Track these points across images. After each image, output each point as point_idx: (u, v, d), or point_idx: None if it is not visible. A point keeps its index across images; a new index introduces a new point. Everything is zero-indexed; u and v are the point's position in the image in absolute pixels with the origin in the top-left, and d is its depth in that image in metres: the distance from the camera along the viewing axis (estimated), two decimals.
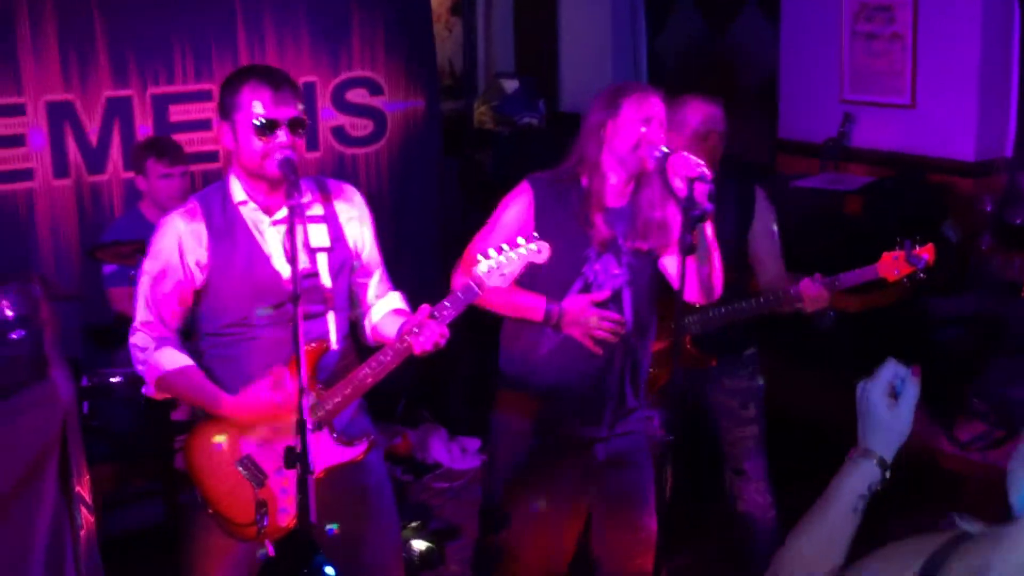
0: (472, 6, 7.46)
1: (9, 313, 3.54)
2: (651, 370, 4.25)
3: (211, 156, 5.75)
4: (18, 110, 5.42)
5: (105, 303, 5.16)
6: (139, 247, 4.71)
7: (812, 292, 4.09)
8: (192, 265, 3.24)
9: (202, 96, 5.78)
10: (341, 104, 6.19)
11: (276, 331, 3.26)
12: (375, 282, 3.52)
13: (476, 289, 3.21)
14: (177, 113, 5.75)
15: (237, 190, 3.28)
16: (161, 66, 5.69)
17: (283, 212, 3.25)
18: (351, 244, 3.43)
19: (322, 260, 3.32)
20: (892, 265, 4.10)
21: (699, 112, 4.20)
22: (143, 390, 3.40)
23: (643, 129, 3.51)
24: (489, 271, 3.20)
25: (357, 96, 6.21)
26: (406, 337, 3.19)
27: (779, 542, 4.72)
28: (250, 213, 3.27)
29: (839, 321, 5.76)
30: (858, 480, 2.09)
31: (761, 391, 4.50)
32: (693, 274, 3.49)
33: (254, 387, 3.21)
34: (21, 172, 5.47)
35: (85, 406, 4.59)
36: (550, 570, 3.94)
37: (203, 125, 5.77)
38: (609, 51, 7.91)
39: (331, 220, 3.37)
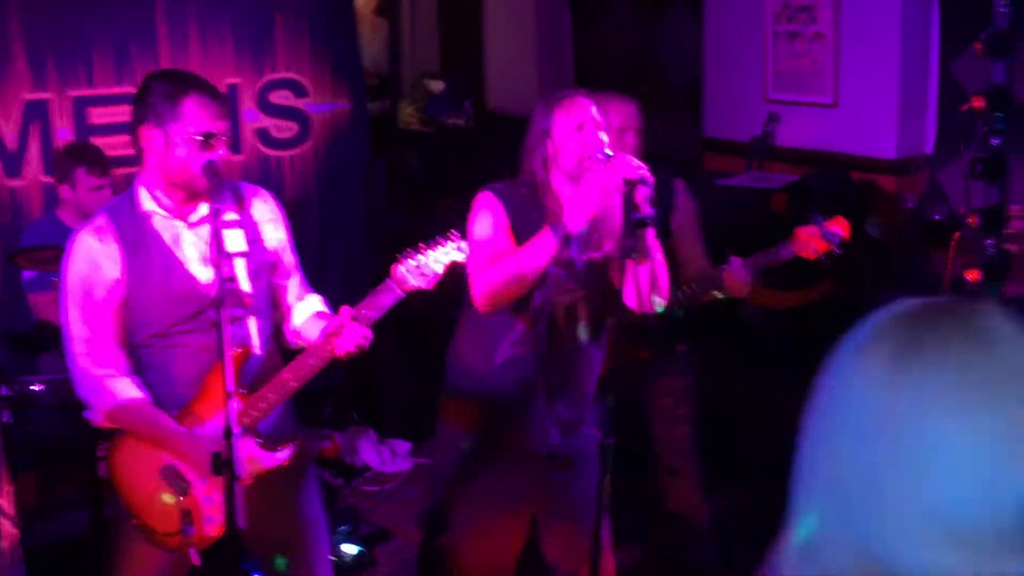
0: (397, 7, 7.45)
1: None
2: None
3: (133, 160, 5.67)
4: None
5: (26, 310, 5.08)
6: (59, 252, 4.67)
7: (735, 275, 4.07)
8: (110, 283, 3.21)
9: (123, 99, 5.68)
10: (266, 106, 6.15)
11: (199, 337, 3.23)
12: (294, 285, 3.51)
13: (397, 289, 3.20)
14: (97, 116, 5.68)
15: (145, 200, 3.25)
16: (81, 68, 5.62)
17: (197, 215, 3.24)
18: (268, 247, 3.42)
19: (240, 264, 3.28)
20: (808, 242, 4.06)
21: (617, 110, 4.22)
22: (87, 415, 3.33)
23: (579, 134, 3.52)
24: (408, 270, 3.19)
25: (281, 98, 6.18)
26: (329, 339, 3.18)
27: (710, 542, 4.80)
28: (161, 222, 3.24)
29: (770, 320, 5.85)
30: None
31: (694, 389, 4.54)
32: (631, 279, 3.45)
33: (200, 434, 3.21)
34: None
35: (7, 415, 4.52)
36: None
37: (124, 128, 5.63)
38: (534, 50, 7.94)
39: (247, 224, 3.34)
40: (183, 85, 3.21)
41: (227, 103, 3.28)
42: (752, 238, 4.27)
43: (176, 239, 3.25)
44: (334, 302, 3.46)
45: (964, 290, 4.61)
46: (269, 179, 6.12)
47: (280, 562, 3.49)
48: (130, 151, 5.58)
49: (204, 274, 3.22)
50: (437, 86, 7.90)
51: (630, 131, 4.25)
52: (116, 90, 5.69)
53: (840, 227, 4.09)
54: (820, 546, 1.26)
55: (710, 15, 6.88)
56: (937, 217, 5.96)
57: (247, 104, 6.09)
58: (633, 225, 3.31)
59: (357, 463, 5.99)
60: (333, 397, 6.23)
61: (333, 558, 5.02)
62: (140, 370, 3.29)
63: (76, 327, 3.23)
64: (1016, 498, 1.17)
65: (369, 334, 3.19)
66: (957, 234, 4.55)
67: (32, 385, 4.63)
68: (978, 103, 4.27)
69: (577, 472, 3.79)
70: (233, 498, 3.09)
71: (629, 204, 3.31)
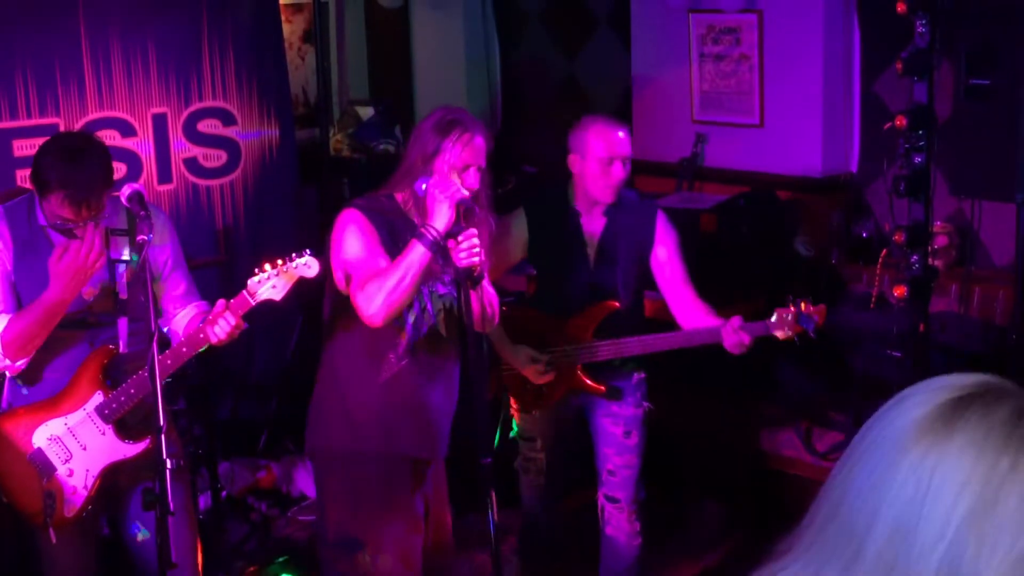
0: (325, 33, 7.42)
1: None
2: (542, 394, 4.40)
3: None
4: None
5: None
6: None
7: (733, 336, 4.11)
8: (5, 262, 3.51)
9: (47, 130, 5.63)
10: (193, 135, 6.09)
11: (72, 331, 3.52)
12: (179, 293, 3.74)
13: (249, 299, 3.41)
14: (21, 148, 5.60)
15: (42, 215, 3.49)
16: (4, 99, 5.54)
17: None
18: (153, 259, 3.57)
19: (120, 271, 3.56)
20: (783, 323, 4.12)
21: (601, 135, 4.25)
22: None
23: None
24: (260, 282, 3.40)
25: (209, 127, 6.12)
26: (204, 327, 3.44)
27: (640, 569, 4.83)
28: (55, 235, 3.48)
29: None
30: None
31: (645, 419, 4.53)
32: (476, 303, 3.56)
33: (51, 273, 3.37)
34: None
35: None
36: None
37: None
38: (463, 73, 7.94)
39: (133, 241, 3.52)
40: (48, 181, 3.40)
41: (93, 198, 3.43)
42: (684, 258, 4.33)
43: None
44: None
45: (891, 306, 4.68)
46: (199, 207, 6.07)
47: None
48: None
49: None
50: (366, 112, 7.87)
51: (618, 160, 4.26)
52: (40, 121, 5.61)
53: (819, 316, 4.12)
54: None
55: (636, 38, 6.92)
56: (864, 234, 6.03)
57: (175, 133, 6.03)
58: (460, 273, 3.49)
59: (293, 492, 5.94)
60: (268, 427, 6.18)
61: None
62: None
63: None
64: None
65: (243, 324, 3.44)
66: (884, 251, 4.61)
67: None
68: (900, 122, 4.32)
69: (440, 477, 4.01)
70: (166, 533, 3.08)
71: (456, 225, 3.49)
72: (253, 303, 3.43)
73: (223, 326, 3.41)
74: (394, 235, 3.67)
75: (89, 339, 3.56)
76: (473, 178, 3.64)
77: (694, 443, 5.74)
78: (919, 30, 4.23)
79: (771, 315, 4.13)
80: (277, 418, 6.19)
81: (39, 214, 3.50)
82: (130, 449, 3.57)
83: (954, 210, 5.59)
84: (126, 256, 3.52)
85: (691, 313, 4.30)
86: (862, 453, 1.33)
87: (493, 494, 3.44)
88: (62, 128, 5.65)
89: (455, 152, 3.63)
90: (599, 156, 4.25)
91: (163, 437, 3.16)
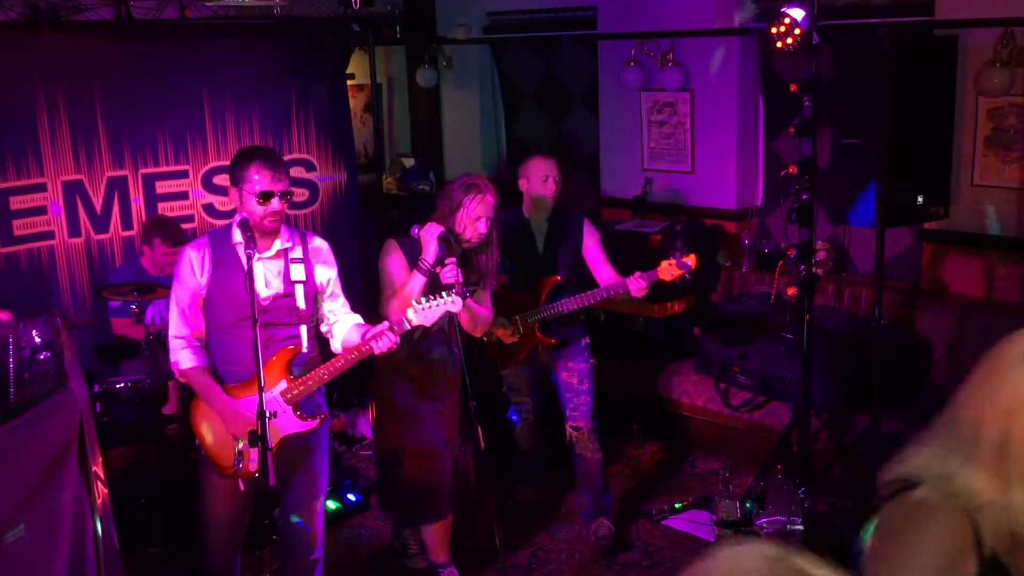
0: (380, 106, 7.43)
1: (38, 339, 3.44)
2: (514, 350, 4.48)
3: (188, 218, 5.63)
4: (41, 188, 5.24)
5: (109, 330, 5.01)
6: (135, 288, 4.61)
7: (636, 283, 4.25)
8: (200, 282, 3.36)
9: (181, 175, 5.65)
10: None
11: (253, 333, 3.29)
12: (338, 306, 3.59)
13: (407, 324, 3.36)
14: (162, 187, 5.62)
15: (236, 234, 3.36)
16: (149, 151, 5.55)
17: (271, 251, 3.38)
18: (319, 279, 3.51)
19: (299, 289, 3.42)
20: (668, 270, 4.25)
21: (539, 164, 4.48)
22: (175, 375, 3.47)
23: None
24: (416, 312, 3.35)
25: (297, 172, 6.13)
26: (368, 341, 3.34)
27: (603, 474, 4.86)
28: (243, 252, 3.32)
29: (648, 323, 5.89)
30: None
31: (593, 370, 4.59)
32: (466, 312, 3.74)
33: (238, 403, 3.33)
34: (44, 233, 5.29)
35: (97, 406, 4.45)
36: (437, 490, 4.04)
37: (181, 196, 5.65)
38: (479, 135, 7.96)
39: (306, 261, 3.46)
40: (249, 155, 3.35)
41: (282, 166, 3.37)
42: (636, 265, 4.35)
43: (251, 264, 3.31)
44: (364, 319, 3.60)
45: (786, 302, 4.68)
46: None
47: None
48: (187, 212, 5.62)
49: (264, 291, 3.36)
50: (409, 162, 7.88)
51: (551, 178, 4.45)
52: (175, 168, 5.64)
53: (691, 261, 4.22)
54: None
55: (603, 110, 6.93)
56: (766, 250, 6.04)
57: None
58: (439, 260, 3.60)
59: (356, 434, 5.95)
60: (339, 387, 6.19)
61: (339, 503, 4.99)
62: (213, 348, 3.42)
63: (173, 311, 3.40)
64: None
65: (398, 340, 3.36)
66: (781, 262, 4.61)
67: (116, 384, 4.57)
68: (792, 170, 4.34)
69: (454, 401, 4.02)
70: (266, 463, 3.09)
71: (439, 260, 3.62)
72: (409, 327, 3.36)
73: (385, 342, 3.32)
74: (414, 261, 3.79)
75: (264, 337, 3.28)
76: (484, 226, 3.79)
77: (640, 400, 5.74)
78: (806, 104, 4.25)
79: (659, 265, 4.22)
80: (345, 380, 6.18)
81: (232, 235, 3.36)
82: (303, 426, 3.42)
83: (831, 233, 5.60)
84: (301, 276, 3.41)
85: (610, 280, 4.43)
86: (980, 374, 1.42)
87: (480, 426, 3.51)
88: (191, 174, 5.67)
89: (472, 207, 3.77)
90: (539, 176, 4.47)
91: (261, 395, 3.13)
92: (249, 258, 3.23)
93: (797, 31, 4.17)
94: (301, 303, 3.40)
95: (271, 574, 3.54)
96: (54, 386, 3.15)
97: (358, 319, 3.58)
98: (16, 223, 5.18)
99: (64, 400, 3.07)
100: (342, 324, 3.55)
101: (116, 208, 5.47)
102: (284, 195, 3.29)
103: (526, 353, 4.56)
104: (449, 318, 3.61)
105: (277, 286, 3.38)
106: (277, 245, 3.38)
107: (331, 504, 5.00)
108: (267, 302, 3.34)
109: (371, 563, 4.59)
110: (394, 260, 3.82)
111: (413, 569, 4.43)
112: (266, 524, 3.35)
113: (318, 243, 3.53)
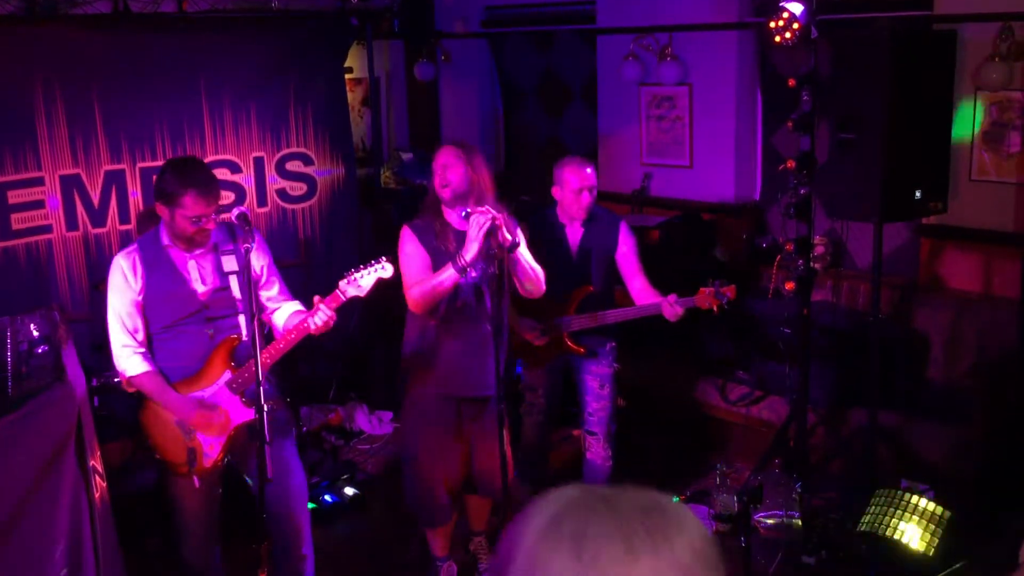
0: (378, 100, 7.42)
1: (36, 333, 3.43)
2: (540, 354, 4.41)
3: None
4: (39, 181, 5.22)
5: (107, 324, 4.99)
6: None
7: (671, 309, 4.20)
8: (134, 287, 3.41)
9: None
10: (283, 172, 6.10)
11: (196, 328, 3.44)
12: (275, 293, 3.66)
13: (340, 296, 3.37)
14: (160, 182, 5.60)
15: (164, 237, 3.46)
16: (147, 145, 5.54)
17: (198, 250, 3.47)
18: (254, 268, 3.55)
19: (233, 280, 3.48)
20: (705, 298, 4.22)
21: (575, 174, 4.31)
22: (122, 385, 3.54)
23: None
24: (348, 283, 3.37)
25: (295, 166, 6.13)
26: (305, 319, 3.38)
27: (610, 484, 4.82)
28: (175, 253, 3.45)
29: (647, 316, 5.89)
30: None
31: (615, 375, 4.54)
32: (523, 276, 3.71)
33: (194, 402, 3.39)
34: (42, 227, 5.27)
35: (96, 400, 4.44)
36: (452, 484, 4.02)
37: None
38: (477, 129, 7.94)
39: (238, 252, 3.45)
40: (174, 191, 3.36)
41: (214, 190, 3.42)
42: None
43: (184, 263, 3.45)
44: (303, 304, 3.64)
45: (783, 296, 4.68)
46: (286, 224, 6.08)
47: None
48: None
49: (201, 287, 3.45)
50: (407, 156, 7.86)
51: (585, 190, 4.30)
52: None
53: (731, 292, 4.21)
54: None
55: (602, 105, 6.92)
56: (764, 245, 6.03)
57: (270, 171, 6.03)
58: (494, 257, 3.48)
59: (354, 428, 5.95)
60: (336, 381, 6.19)
61: (336, 498, 4.99)
62: (158, 351, 3.46)
63: (117, 327, 3.44)
64: None
65: (334, 316, 3.37)
66: (779, 257, 4.61)
67: (114, 378, 4.56)
68: (791, 164, 4.33)
69: (491, 415, 3.86)
70: (264, 456, 3.08)
71: (487, 244, 3.49)
72: (344, 299, 3.37)
73: (320, 317, 3.34)
74: (433, 244, 3.77)
75: (209, 330, 3.44)
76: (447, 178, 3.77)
77: (637, 393, 5.75)
78: (804, 98, 4.24)
79: (697, 292, 4.20)
80: (343, 376, 6.20)
81: (162, 237, 3.44)
82: (251, 414, 3.39)
83: (829, 228, 5.60)
84: (234, 267, 3.46)
85: (643, 294, 4.35)
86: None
87: (507, 431, 3.51)
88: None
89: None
90: (573, 188, 4.27)
91: (262, 389, 3.14)
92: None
93: (796, 25, 4.16)
94: (236, 292, 3.47)
95: (269, 569, 3.54)
96: (52, 380, 3.14)
97: (297, 305, 3.65)
98: (14, 217, 5.17)
99: (62, 394, 3.06)
100: (282, 311, 3.63)
101: (114, 202, 5.46)
102: (218, 211, 3.37)
103: (554, 357, 4.51)
104: (492, 286, 3.51)
105: (212, 280, 3.47)
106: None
107: (327, 498, 5.00)
108: (206, 297, 3.44)
109: (369, 558, 4.60)
110: (410, 247, 3.80)
111: (411, 564, 4.43)
112: (264, 518, 3.35)
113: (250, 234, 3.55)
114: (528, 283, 3.79)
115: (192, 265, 3.46)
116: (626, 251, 4.42)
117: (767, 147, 6.25)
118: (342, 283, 3.36)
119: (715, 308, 4.23)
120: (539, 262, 4.18)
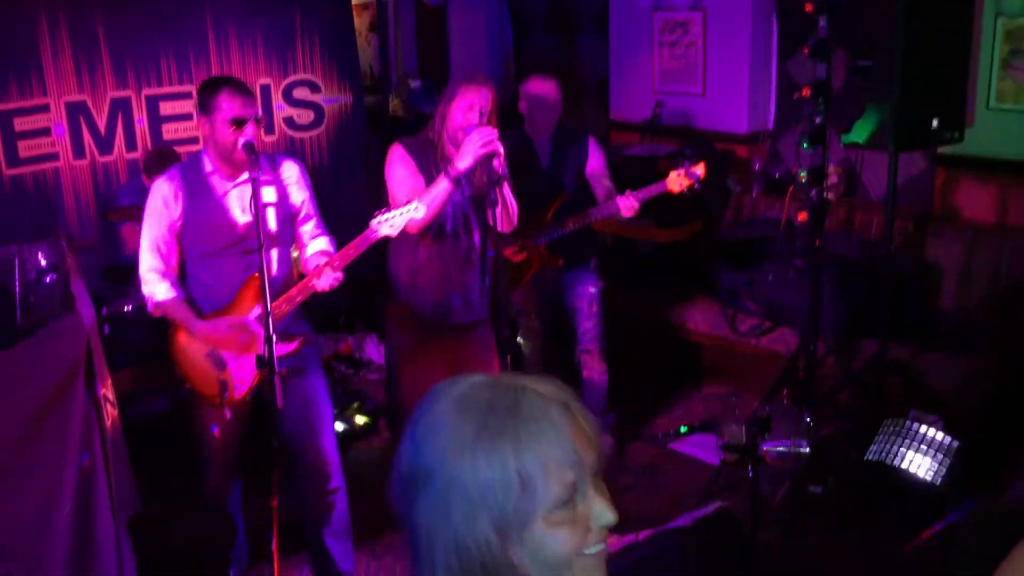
0: (385, 25, 7.29)
1: (43, 262, 3.43)
2: (522, 267, 4.38)
3: (193, 140, 5.56)
4: (44, 108, 5.17)
5: (116, 251, 4.98)
6: (141, 209, 4.57)
7: (626, 201, 4.21)
8: (174, 214, 3.29)
9: (184, 96, 5.57)
10: (290, 100, 6.03)
11: (233, 260, 3.32)
12: (310, 228, 3.54)
13: (371, 235, 3.25)
14: (165, 108, 5.54)
15: (207, 164, 3.30)
16: (152, 71, 5.47)
17: (243, 177, 3.28)
18: (293, 200, 3.45)
19: (271, 212, 3.36)
20: (676, 180, 4.21)
21: (537, 86, 4.44)
22: (148, 309, 3.41)
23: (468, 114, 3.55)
24: (380, 223, 3.24)
25: (302, 93, 6.06)
26: (310, 278, 3.29)
27: (605, 399, 4.87)
28: (216, 181, 3.29)
29: (656, 247, 5.86)
30: None
31: (601, 293, 4.57)
32: (500, 213, 3.48)
33: (220, 321, 3.29)
34: (49, 155, 5.24)
35: (106, 329, 4.46)
36: None
37: (186, 117, 5.57)
38: (485, 57, 7.81)
39: (278, 183, 3.38)
40: (218, 83, 3.22)
41: (251, 93, 3.26)
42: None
43: (225, 192, 3.29)
44: (341, 240, 3.47)
45: (795, 227, 4.63)
46: (294, 154, 6.02)
47: None
48: (191, 134, 5.55)
49: (242, 218, 3.30)
50: (415, 83, 7.76)
51: (551, 101, 4.37)
52: (179, 89, 5.56)
53: (700, 170, 4.18)
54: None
55: (613, 31, 6.79)
56: (776, 175, 5.97)
57: (276, 98, 5.96)
58: (492, 182, 3.37)
59: (363, 358, 5.98)
60: (346, 311, 6.20)
61: (347, 425, 5.03)
62: (191, 280, 3.37)
63: (146, 250, 3.32)
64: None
65: (341, 276, 3.29)
66: (791, 187, 4.55)
67: (124, 306, 4.57)
68: (806, 92, 4.24)
69: (482, 337, 3.85)
70: (274, 386, 3.08)
71: (488, 168, 3.38)
72: (374, 239, 3.27)
73: (326, 279, 3.27)
74: (424, 163, 3.67)
75: (244, 263, 3.32)
76: (473, 115, 3.56)
77: (647, 325, 5.74)
78: (821, 24, 4.13)
79: (666, 177, 4.19)
80: (352, 305, 6.21)
81: (203, 163, 3.31)
82: (283, 348, 3.33)
83: (843, 157, 5.52)
84: (272, 198, 3.35)
85: (604, 199, 4.40)
86: None
87: (508, 357, 3.48)
88: (194, 95, 5.59)
89: (464, 93, 3.60)
90: (532, 98, 4.42)
91: (270, 319, 3.11)
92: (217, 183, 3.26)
93: None
94: (273, 225, 3.37)
95: (280, 498, 3.56)
96: (61, 309, 3.15)
97: (324, 244, 3.54)
98: (21, 144, 5.13)
99: (71, 323, 3.07)
100: (312, 247, 3.53)
101: (120, 129, 5.41)
102: (258, 121, 3.22)
103: (532, 273, 4.52)
104: (479, 212, 3.46)
105: (252, 212, 3.30)
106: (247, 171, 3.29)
107: (339, 426, 5.05)
108: (244, 229, 3.30)
109: (380, 485, 4.65)
110: (401, 164, 3.66)
111: None
112: (275, 447, 3.37)
113: (290, 165, 3.47)
114: (504, 219, 3.71)
115: (233, 195, 3.32)
116: (597, 164, 4.46)
117: (782, 74, 6.14)
118: (373, 222, 3.25)
119: (687, 189, 4.21)
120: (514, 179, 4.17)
